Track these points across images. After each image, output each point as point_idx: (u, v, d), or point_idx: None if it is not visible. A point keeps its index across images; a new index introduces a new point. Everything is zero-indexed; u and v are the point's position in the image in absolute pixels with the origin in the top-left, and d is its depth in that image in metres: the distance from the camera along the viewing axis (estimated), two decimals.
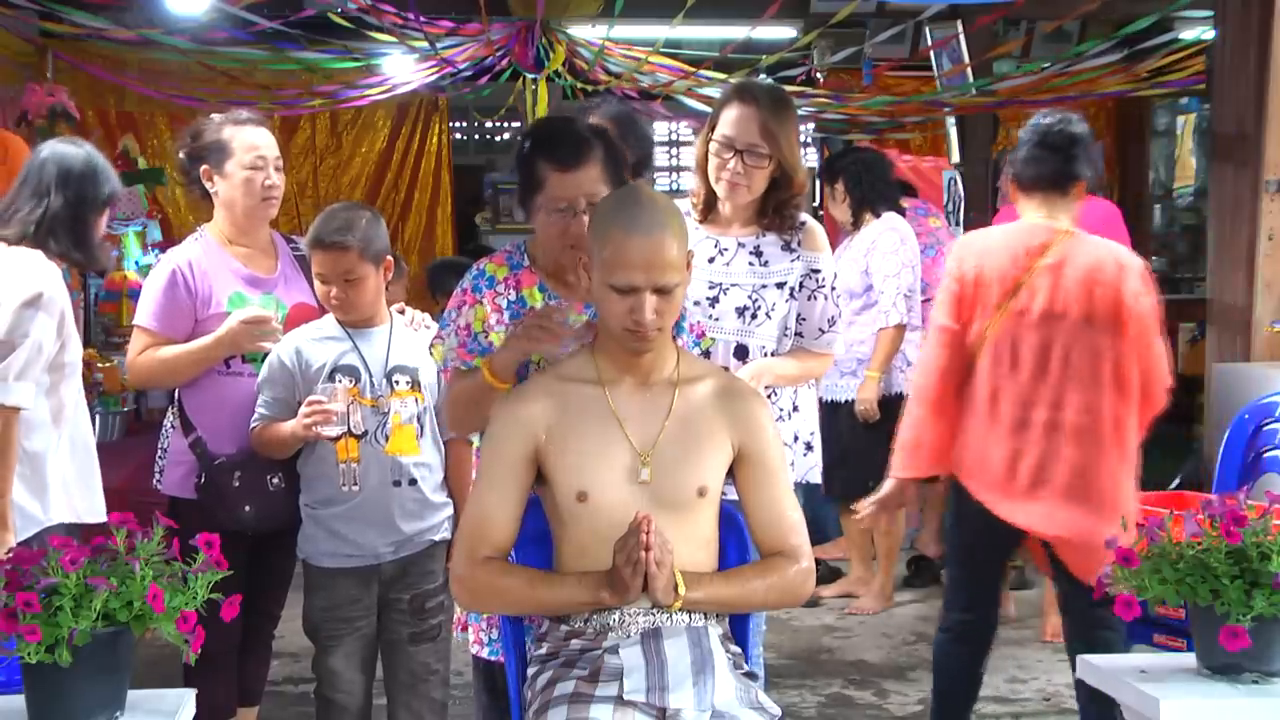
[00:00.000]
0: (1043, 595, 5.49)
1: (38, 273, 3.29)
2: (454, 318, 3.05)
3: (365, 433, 3.55)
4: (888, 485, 3.87)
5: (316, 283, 3.62)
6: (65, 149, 3.47)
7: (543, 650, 2.68)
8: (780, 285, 3.40)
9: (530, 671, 2.70)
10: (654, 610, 2.60)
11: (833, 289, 3.47)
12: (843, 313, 5.54)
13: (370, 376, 3.57)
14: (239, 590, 2.43)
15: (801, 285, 3.42)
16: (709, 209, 3.45)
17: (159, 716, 2.39)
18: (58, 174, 3.40)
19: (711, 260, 3.40)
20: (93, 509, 3.49)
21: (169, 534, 2.39)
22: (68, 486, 3.39)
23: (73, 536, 3.18)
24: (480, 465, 2.75)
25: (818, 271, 3.43)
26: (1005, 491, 3.69)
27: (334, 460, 3.55)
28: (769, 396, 3.34)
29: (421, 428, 3.60)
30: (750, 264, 3.40)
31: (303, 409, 3.50)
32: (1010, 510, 3.69)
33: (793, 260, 3.41)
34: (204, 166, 3.71)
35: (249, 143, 3.68)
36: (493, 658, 3.12)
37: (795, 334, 3.45)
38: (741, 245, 3.41)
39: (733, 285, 3.38)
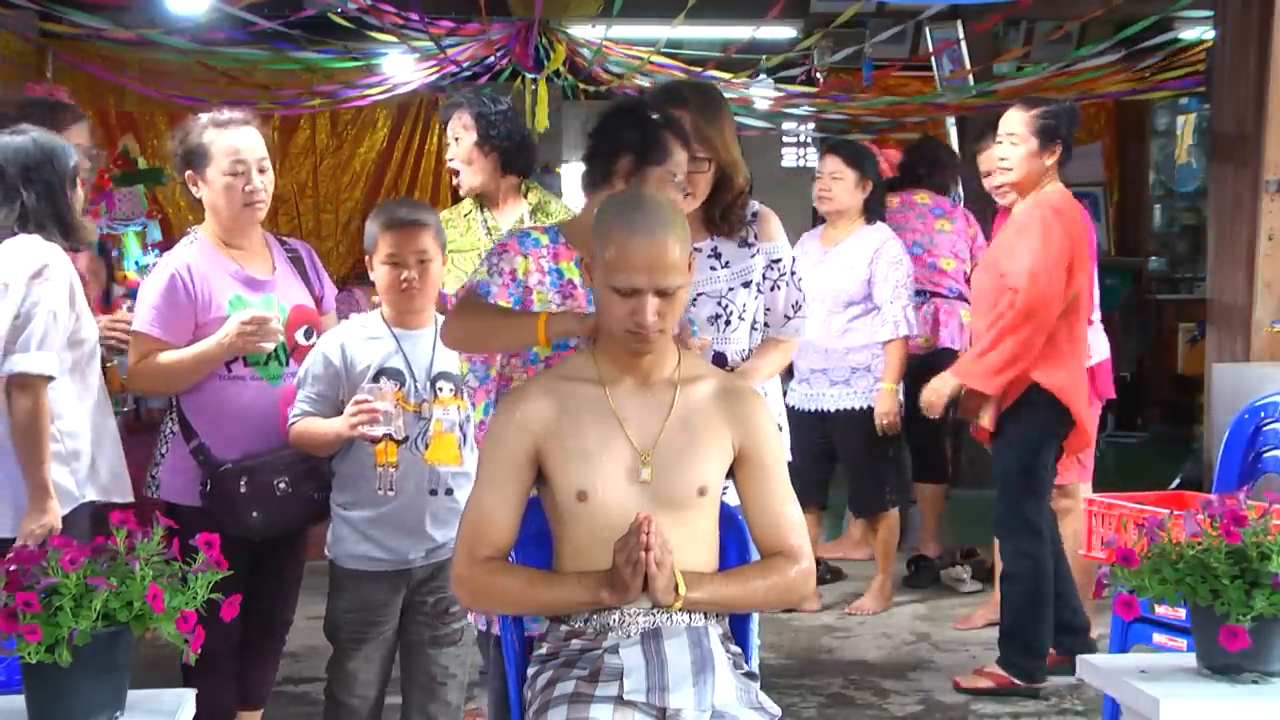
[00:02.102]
0: None
1: (39, 249, 3.32)
2: (496, 262, 3.06)
3: (406, 438, 3.50)
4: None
5: (384, 270, 3.54)
6: (12, 142, 3.41)
7: (543, 650, 2.68)
8: (747, 284, 3.33)
9: (530, 671, 2.70)
10: (654, 610, 2.60)
11: (793, 274, 3.40)
12: (834, 319, 5.56)
13: (414, 381, 3.53)
14: (238, 590, 2.43)
15: (764, 277, 3.36)
16: None
17: (159, 716, 2.39)
18: (19, 170, 3.37)
19: None
20: (121, 489, 3.51)
21: (169, 534, 2.39)
22: (96, 466, 3.44)
23: (104, 515, 3.23)
24: (480, 465, 2.75)
25: (778, 261, 3.37)
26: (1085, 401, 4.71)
27: (373, 462, 3.51)
28: None
29: (464, 436, 3.52)
30: (712, 268, 3.31)
31: (349, 407, 3.45)
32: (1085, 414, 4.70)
33: (753, 255, 3.34)
34: (188, 171, 3.67)
35: (228, 146, 3.61)
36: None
37: (764, 325, 3.38)
38: (698, 250, 3.28)
39: (700, 294, 3.27)
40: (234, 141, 3.63)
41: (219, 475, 3.57)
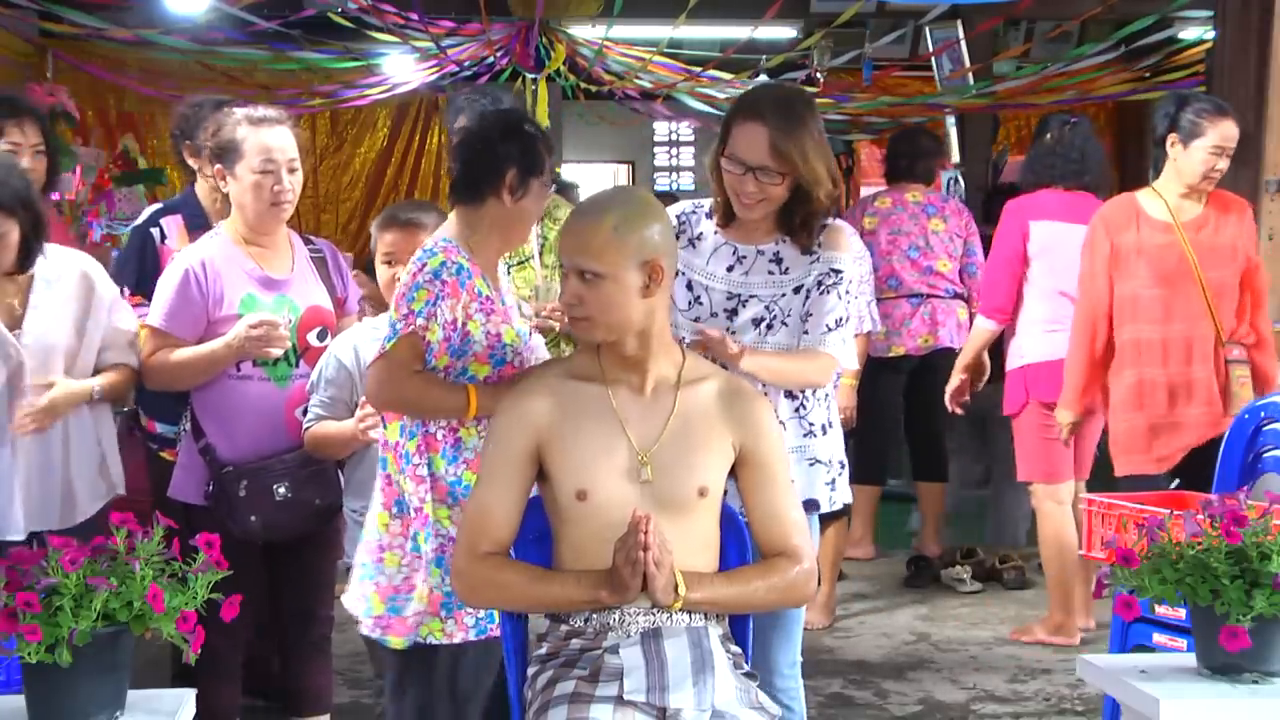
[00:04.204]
0: (1040, 595, 5.48)
1: None
2: (436, 311, 3.02)
3: None
4: None
5: (382, 269, 3.53)
6: None
7: (543, 650, 2.69)
8: (798, 289, 3.25)
9: (530, 671, 2.71)
10: (654, 610, 2.60)
11: (847, 291, 3.29)
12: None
13: None
14: (239, 591, 2.42)
15: (819, 283, 3.24)
16: (729, 217, 3.27)
17: (159, 716, 2.39)
18: None
19: (730, 269, 3.25)
20: (13, 524, 3.50)
21: (169, 534, 2.39)
22: None
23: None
24: (482, 461, 2.75)
25: (838, 271, 3.26)
26: None
27: None
28: (799, 411, 3.26)
29: None
30: (770, 272, 3.25)
31: (359, 411, 3.42)
32: None
33: (812, 262, 3.26)
34: (217, 166, 3.67)
35: (260, 145, 3.60)
36: (479, 637, 3.08)
37: (802, 333, 3.26)
38: (761, 253, 3.25)
39: (751, 296, 3.23)
40: (267, 140, 3.62)
41: (221, 477, 3.56)
